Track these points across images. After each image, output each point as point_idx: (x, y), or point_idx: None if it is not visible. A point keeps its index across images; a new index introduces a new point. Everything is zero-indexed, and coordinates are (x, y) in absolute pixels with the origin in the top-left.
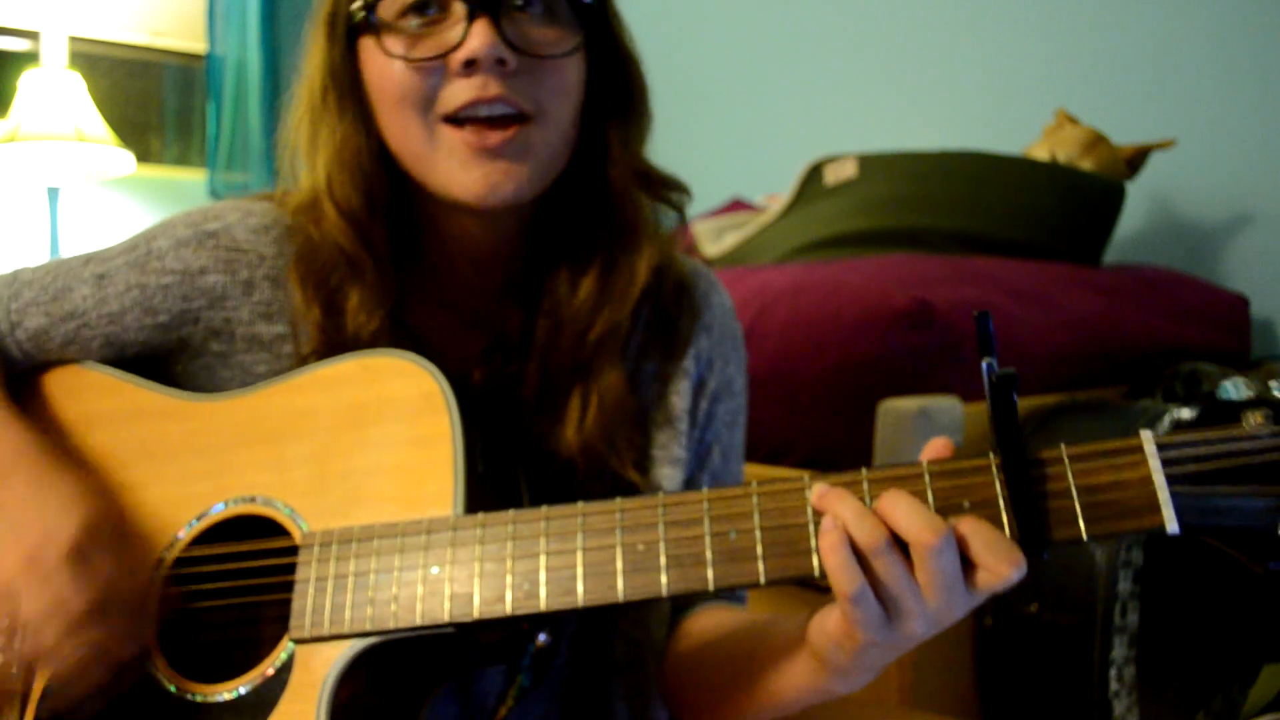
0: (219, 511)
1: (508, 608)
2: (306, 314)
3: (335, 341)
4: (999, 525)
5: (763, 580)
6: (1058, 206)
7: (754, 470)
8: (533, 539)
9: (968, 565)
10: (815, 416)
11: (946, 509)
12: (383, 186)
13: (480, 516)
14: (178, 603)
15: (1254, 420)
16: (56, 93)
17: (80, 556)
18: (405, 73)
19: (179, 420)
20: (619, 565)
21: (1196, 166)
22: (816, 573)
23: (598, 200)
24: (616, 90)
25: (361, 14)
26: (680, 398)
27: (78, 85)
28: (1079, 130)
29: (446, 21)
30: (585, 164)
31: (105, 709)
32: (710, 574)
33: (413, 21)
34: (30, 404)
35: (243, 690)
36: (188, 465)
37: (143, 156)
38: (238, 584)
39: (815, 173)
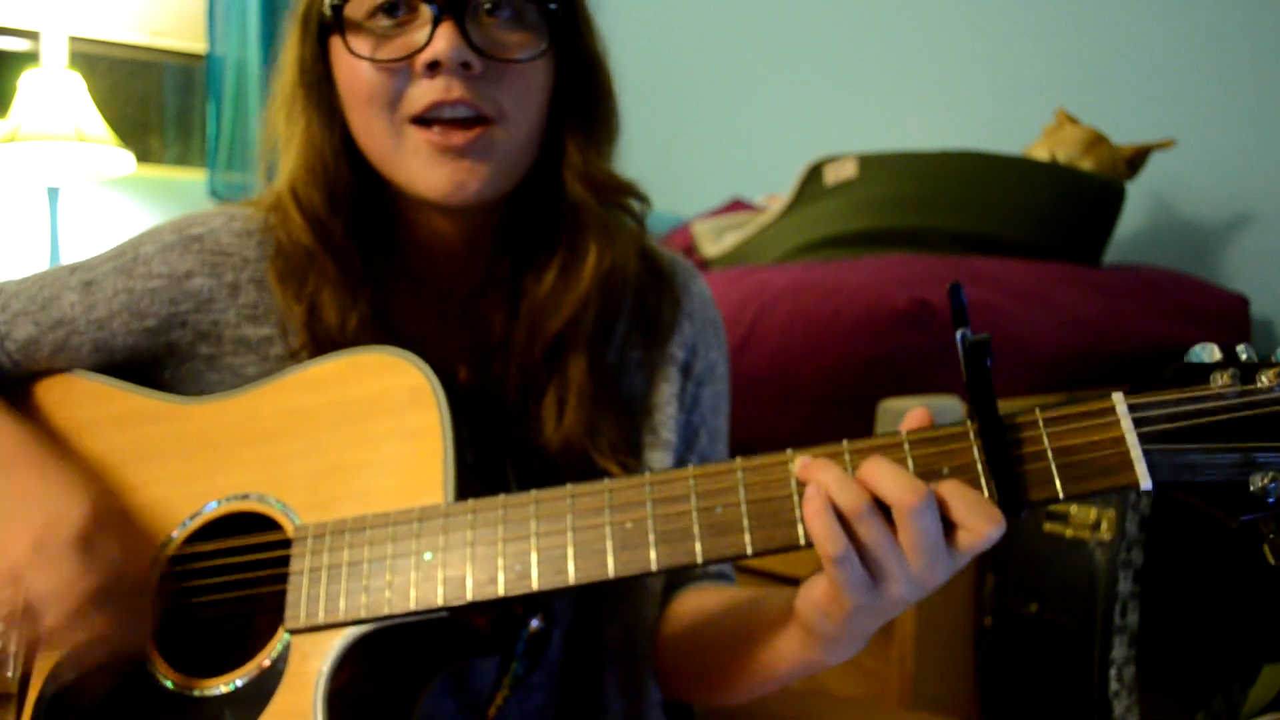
0: (212, 509)
1: (500, 589)
2: (290, 313)
3: (321, 338)
4: (978, 488)
5: (749, 551)
6: (1058, 206)
7: None
8: (523, 521)
9: (949, 527)
10: (815, 416)
11: (927, 475)
12: (346, 182)
13: (471, 503)
14: (174, 599)
15: (1222, 380)
16: (56, 93)
17: (87, 542)
18: (371, 73)
19: (170, 423)
20: (609, 543)
21: (1196, 166)
22: (802, 541)
23: (556, 201)
24: (579, 95)
25: (331, 13)
26: (668, 383)
27: (78, 85)
28: (1079, 130)
29: (414, 23)
30: (547, 166)
31: (103, 705)
32: (698, 547)
33: (381, 22)
34: (22, 413)
35: (239, 683)
36: (180, 467)
37: (143, 156)
38: (233, 579)
39: (815, 173)
